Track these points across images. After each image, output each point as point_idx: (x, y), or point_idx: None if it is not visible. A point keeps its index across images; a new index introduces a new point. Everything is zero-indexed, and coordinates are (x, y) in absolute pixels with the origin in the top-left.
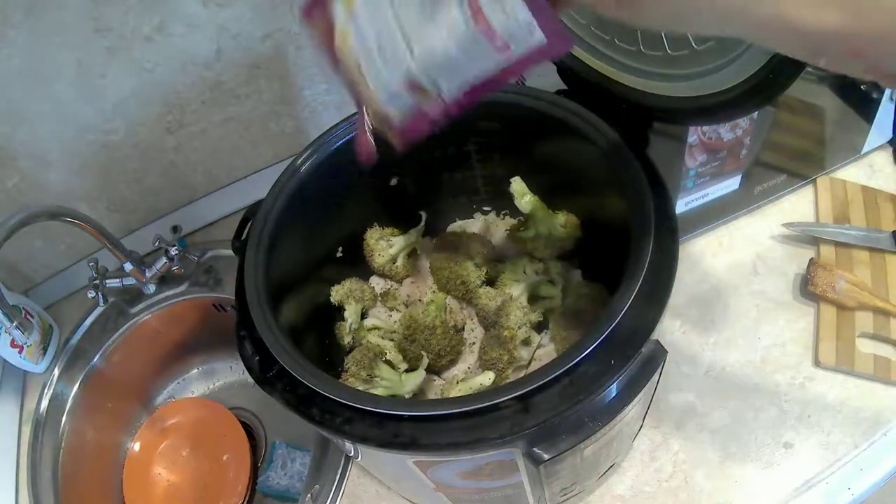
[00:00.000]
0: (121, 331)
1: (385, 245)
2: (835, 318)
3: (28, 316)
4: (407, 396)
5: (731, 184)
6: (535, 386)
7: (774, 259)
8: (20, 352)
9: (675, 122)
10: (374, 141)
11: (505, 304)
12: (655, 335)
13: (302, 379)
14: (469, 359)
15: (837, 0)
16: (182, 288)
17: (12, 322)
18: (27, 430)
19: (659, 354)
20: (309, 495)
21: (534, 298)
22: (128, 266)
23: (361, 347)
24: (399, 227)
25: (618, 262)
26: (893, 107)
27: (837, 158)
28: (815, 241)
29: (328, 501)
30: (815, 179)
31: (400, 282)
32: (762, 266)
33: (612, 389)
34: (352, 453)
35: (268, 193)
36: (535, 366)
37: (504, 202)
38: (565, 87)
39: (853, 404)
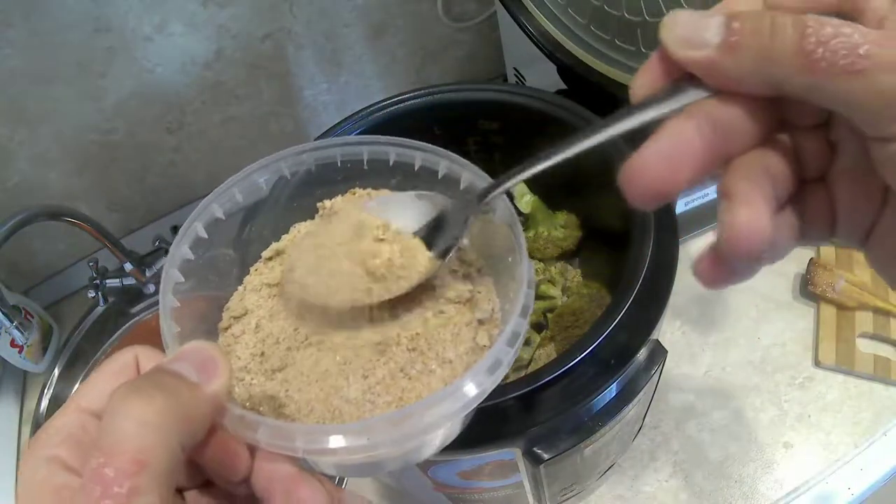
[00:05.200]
0: (121, 331)
1: None
2: (835, 318)
3: (28, 316)
4: None
5: None
6: (535, 386)
7: None
8: (20, 352)
9: None
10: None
11: None
12: (655, 335)
13: None
14: None
15: None
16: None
17: (12, 322)
18: (27, 430)
19: (659, 354)
20: None
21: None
22: (128, 266)
23: None
24: None
25: (618, 262)
26: None
27: None
28: None
29: None
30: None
31: None
32: None
33: (612, 389)
34: None
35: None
36: (535, 366)
37: None
38: (565, 87)
39: (853, 404)
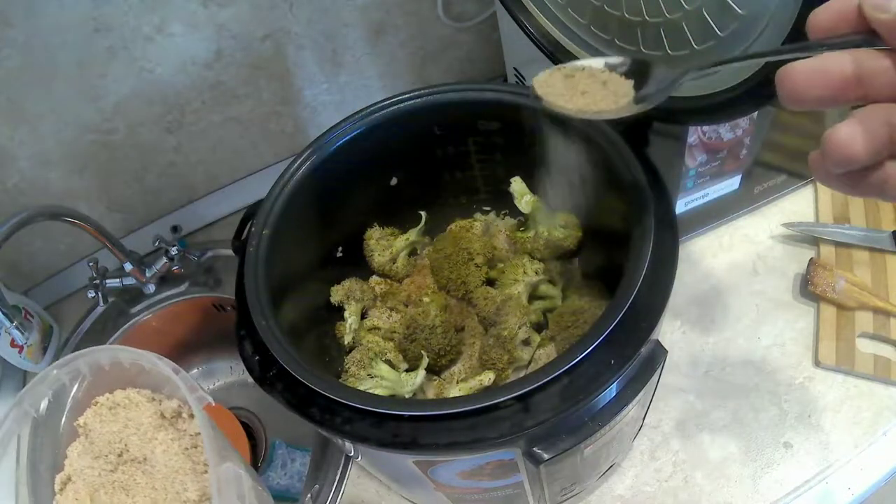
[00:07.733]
0: (121, 331)
1: (385, 245)
2: (835, 318)
3: (28, 316)
4: (407, 396)
5: (731, 184)
6: (535, 386)
7: (774, 259)
8: (20, 352)
9: (675, 122)
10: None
11: (505, 304)
12: (655, 335)
13: (302, 379)
14: (469, 359)
15: None
16: (182, 288)
17: (12, 322)
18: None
19: (659, 354)
20: (309, 495)
21: (534, 298)
22: (128, 266)
23: (361, 347)
24: (399, 227)
25: (618, 262)
26: None
27: None
28: (815, 241)
29: (328, 501)
30: (815, 179)
31: (400, 282)
32: (762, 266)
33: (612, 389)
34: (352, 453)
35: (268, 193)
36: (535, 366)
37: (504, 202)
38: None
39: (853, 404)
